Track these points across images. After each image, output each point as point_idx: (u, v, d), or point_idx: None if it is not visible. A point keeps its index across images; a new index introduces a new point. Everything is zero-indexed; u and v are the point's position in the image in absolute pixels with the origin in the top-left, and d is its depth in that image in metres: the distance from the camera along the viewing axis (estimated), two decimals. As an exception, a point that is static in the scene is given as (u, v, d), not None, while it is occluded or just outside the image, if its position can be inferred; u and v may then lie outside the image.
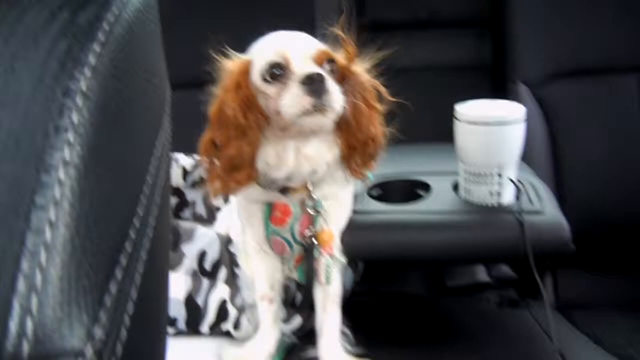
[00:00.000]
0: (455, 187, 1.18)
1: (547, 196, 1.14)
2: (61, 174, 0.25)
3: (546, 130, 1.59)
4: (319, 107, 0.81)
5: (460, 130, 1.09)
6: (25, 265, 0.24)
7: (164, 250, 0.38)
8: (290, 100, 0.81)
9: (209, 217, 1.46)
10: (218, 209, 1.45)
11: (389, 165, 1.28)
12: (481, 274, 1.53)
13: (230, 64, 0.88)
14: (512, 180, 1.10)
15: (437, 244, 1.08)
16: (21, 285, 0.24)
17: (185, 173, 1.44)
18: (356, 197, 1.12)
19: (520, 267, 1.44)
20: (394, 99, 0.94)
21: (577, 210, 1.19)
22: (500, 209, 1.10)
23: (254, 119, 0.85)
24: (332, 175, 0.94)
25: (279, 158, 0.88)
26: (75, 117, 0.26)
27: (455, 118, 1.10)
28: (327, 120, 0.84)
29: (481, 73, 1.76)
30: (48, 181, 0.25)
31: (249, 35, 0.91)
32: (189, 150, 1.41)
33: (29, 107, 0.26)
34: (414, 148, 1.45)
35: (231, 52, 0.89)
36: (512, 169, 1.10)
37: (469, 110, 1.08)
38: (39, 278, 0.24)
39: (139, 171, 0.31)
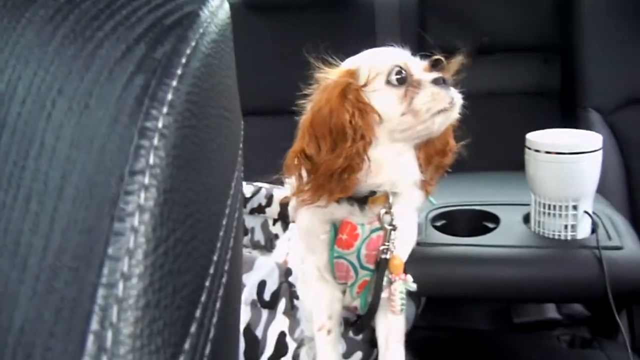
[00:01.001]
0: (526, 220, 1.12)
1: (627, 230, 1.06)
2: (136, 221, 0.23)
3: (619, 159, 1.51)
4: (452, 104, 0.84)
5: (533, 160, 1.04)
6: (95, 322, 0.22)
7: (237, 296, 0.35)
8: (429, 97, 0.83)
9: (267, 245, 1.45)
10: (276, 236, 1.43)
11: (454, 194, 1.23)
12: (551, 310, 1.44)
13: (331, 73, 0.87)
14: (588, 213, 1.03)
15: (506, 281, 1.03)
16: (90, 345, 0.22)
17: (245, 200, 1.43)
18: (419, 227, 1.08)
19: (593, 304, 1.35)
20: (459, 124, 0.92)
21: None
22: (575, 244, 1.03)
23: (370, 121, 0.85)
24: (408, 192, 0.91)
25: (380, 164, 0.87)
26: (151, 159, 0.24)
27: (527, 147, 1.04)
28: (455, 115, 0.86)
29: (548, 99, 1.69)
30: (122, 229, 0.23)
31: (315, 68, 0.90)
32: (247, 177, 1.41)
33: (104, 148, 0.24)
34: (480, 176, 1.40)
35: (333, 60, 0.88)
36: (588, 201, 1.04)
37: (541, 138, 1.03)
38: (109, 337, 0.22)
39: (215, 214, 0.29)
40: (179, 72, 0.26)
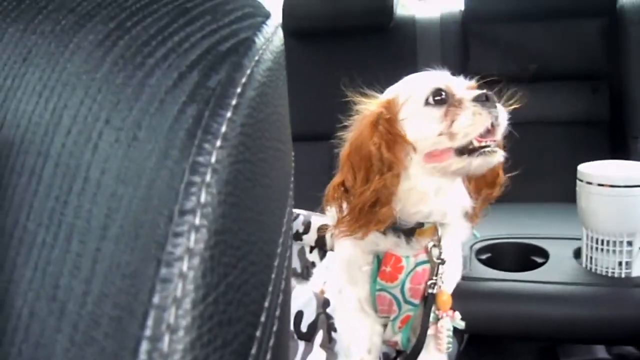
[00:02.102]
0: (577, 255, 1.06)
1: (685, 269, 1.00)
2: (184, 266, 0.21)
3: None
4: (495, 127, 0.79)
5: (585, 193, 0.99)
6: (137, 381, 0.20)
7: (287, 343, 0.33)
8: (469, 119, 0.79)
9: (304, 273, 1.42)
10: (313, 264, 1.40)
11: (499, 226, 1.19)
12: (600, 350, 1.37)
13: (368, 104, 0.87)
14: (644, 250, 0.98)
15: (555, 320, 0.98)
16: (131, 406, 0.19)
17: (281, 227, 1.42)
18: (463, 260, 1.04)
19: (647, 345, 1.27)
20: (507, 155, 0.88)
21: None
22: (630, 282, 0.98)
23: (399, 153, 0.82)
24: (456, 223, 0.88)
25: (420, 195, 0.84)
26: (203, 197, 0.22)
27: (579, 179, 1.00)
28: (499, 159, 0.81)
29: (597, 128, 1.63)
30: (169, 275, 0.21)
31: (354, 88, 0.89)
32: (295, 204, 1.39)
33: (152, 184, 0.22)
34: (527, 208, 1.35)
35: (369, 92, 0.88)
36: (644, 237, 0.98)
37: (594, 170, 0.98)
38: (151, 398, 0.19)
39: (267, 255, 0.27)
40: (233, 102, 0.24)
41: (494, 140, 0.79)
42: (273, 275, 0.27)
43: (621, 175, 0.96)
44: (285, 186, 0.31)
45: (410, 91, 0.85)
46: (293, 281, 1.42)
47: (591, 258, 1.01)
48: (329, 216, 0.89)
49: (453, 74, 0.91)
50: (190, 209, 0.22)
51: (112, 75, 0.25)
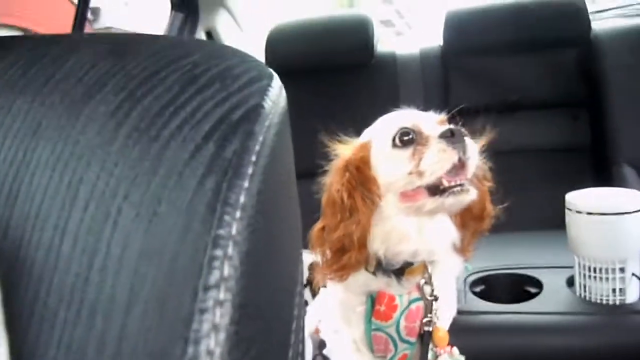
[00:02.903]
0: (570, 283, 1.07)
1: (678, 293, 1.01)
2: (212, 343, 0.21)
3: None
4: (460, 163, 0.79)
5: (575, 222, 1.00)
6: None
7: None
8: (435, 156, 0.79)
9: (298, 312, 1.41)
10: (306, 302, 1.39)
11: (491, 257, 1.19)
12: (598, 377, 1.36)
13: (344, 148, 0.88)
14: (636, 276, 0.99)
15: (553, 350, 0.98)
16: None
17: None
18: (458, 294, 1.04)
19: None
20: (492, 184, 0.89)
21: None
22: (625, 309, 0.98)
23: (362, 198, 0.83)
24: (446, 259, 0.88)
25: (401, 234, 0.84)
26: (226, 270, 0.22)
27: (568, 208, 1.01)
28: (471, 198, 0.81)
29: (580, 155, 1.66)
30: (196, 354, 0.21)
31: (340, 131, 0.90)
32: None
33: (176, 260, 0.22)
34: (517, 237, 1.35)
35: (345, 137, 0.90)
36: (635, 263, 0.99)
37: (583, 199, 1.00)
38: None
39: (285, 320, 0.27)
40: (249, 171, 0.25)
41: (466, 178, 0.80)
42: (292, 339, 0.27)
43: (610, 203, 0.97)
44: (297, 241, 0.31)
45: (379, 133, 0.86)
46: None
47: (585, 286, 1.02)
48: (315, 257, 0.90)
49: (435, 107, 0.92)
50: (215, 284, 0.22)
51: (128, 148, 0.25)
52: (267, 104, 0.29)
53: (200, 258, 0.22)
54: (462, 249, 0.90)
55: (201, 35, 1.80)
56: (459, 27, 1.72)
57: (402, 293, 0.89)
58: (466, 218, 0.88)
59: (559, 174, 1.60)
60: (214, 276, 0.22)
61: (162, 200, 0.23)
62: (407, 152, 0.82)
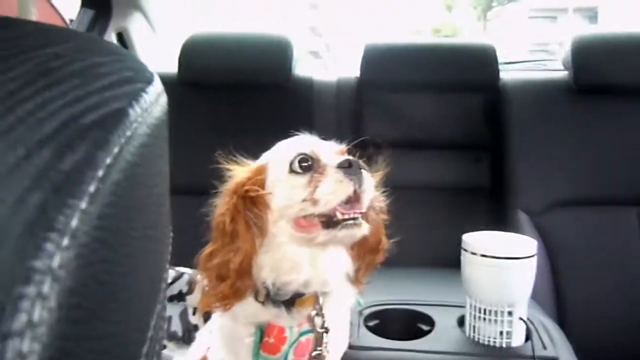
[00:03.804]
0: (461, 323, 1.08)
1: (560, 339, 1.05)
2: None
3: (547, 261, 1.52)
4: (354, 196, 0.77)
5: (469, 263, 1.01)
6: None
7: None
8: (330, 186, 0.78)
9: (185, 337, 1.33)
10: (196, 327, 1.32)
11: (387, 291, 1.19)
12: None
13: (239, 170, 0.85)
14: (523, 320, 1.01)
15: (442, 389, 0.97)
16: None
17: (164, 286, 1.33)
18: (351, 327, 1.02)
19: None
20: (390, 218, 0.89)
21: (581, 351, 1.08)
22: (511, 352, 1.00)
23: (246, 224, 0.81)
24: (339, 291, 0.86)
25: (292, 263, 0.81)
26: (36, 314, 0.17)
27: (464, 249, 1.02)
28: (363, 232, 0.79)
29: (480, 196, 1.72)
30: None
31: (249, 149, 0.88)
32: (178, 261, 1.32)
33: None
34: (414, 272, 1.36)
35: (241, 159, 0.87)
36: (523, 307, 1.02)
37: (478, 241, 1.01)
38: None
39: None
40: (91, 189, 0.20)
41: (360, 211, 0.78)
42: None
43: (502, 248, 0.99)
44: (156, 279, 0.27)
45: (278, 157, 0.84)
46: (172, 346, 1.33)
47: (474, 327, 1.03)
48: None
49: (347, 136, 0.91)
50: (17, 331, 0.17)
51: None
52: (134, 110, 0.25)
53: (3, 296, 0.17)
54: (356, 281, 0.88)
55: (111, 36, 1.71)
56: (376, 61, 1.74)
57: (292, 325, 0.85)
58: (362, 250, 0.87)
59: (460, 214, 1.64)
60: (19, 321, 0.17)
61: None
62: (304, 178, 0.80)
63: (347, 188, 0.77)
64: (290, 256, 0.82)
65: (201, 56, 1.71)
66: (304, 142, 0.85)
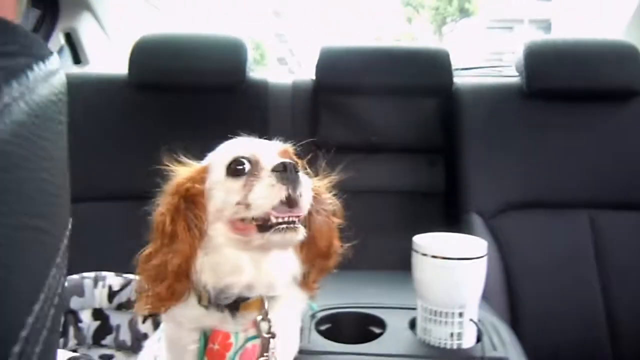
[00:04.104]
0: (412, 325, 1.07)
1: (510, 340, 1.05)
2: None
3: (500, 263, 1.53)
4: (290, 199, 0.75)
5: (419, 264, 1.01)
6: None
7: None
8: (263, 190, 0.76)
9: (134, 346, 1.29)
10: (145, 336, 1.28)
11: (339, 295, 1.17)
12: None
13: (181, 171, 0.84)
14: (473, 321, 1.01)
15: (392, 392, 0.96)
16: None
17: (112, 294, 1.28)
18: (302, 331, 1.00)
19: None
20: (345, 221, 0.88)
21: (532, 350, 1.09)
22: (461, 354, 1.00)
23: (186, 225, 0.79)
24: (287, 294, 0.84)
25: (233, 266, 0.79)
26: None
27: (414, 250, 1.02)
28: (298, 237, 0.77)
29: (434, 199, 1.73)
30: None
31: (203, 152, 0.87)
32: (114, 267, 1.28)
33: None
34: (366, 275, 1.35)
35: (184, 160, 0.85)
36: (473, 308, 1.02)
37: (428, 243, 1.01)
38: None
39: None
40: None
41: (296, 216, 0.77)
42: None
43: (452, 248, 0.99)
44: (40, 272, 0.24)
45: (218, 159, 0.83)
46: (121, 356, 1.29)
47: (425, 329, 1.02)
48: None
49: (303, 138, 0.90)
50: None
51: None
52: (10, 86, 0.23)
53: None
54: (306, 285, 0.87)
55: (59, 37, 1.65)
56: (331, 64, 1.73)
57: (237, 330, 0.83)
58: (311, 253, 0.85)
59: (414, 217, 1.65)
60: None
61: None
62: (239, 182, 0.79)
63: (279, 192, 0.75)
64: (231, 258, 0.80)
65: (152, 57, 1.67)
66: (246, 144, 0.83)
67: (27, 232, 0.23)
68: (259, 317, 0.82)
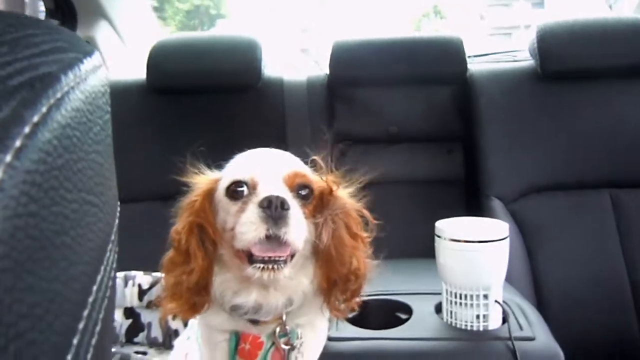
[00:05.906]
0: (438, 309, 1.09)
1: (537, 320, 1.05)
2: None
3: (522, 246, 1.54)
4: (275, 237, 0.71)
5: (443, 249, 1.02)
6: None
7: None
8: (245, 225, 0.73)
9: (166, 342, 1.32)
10: (176, 332, 1.31)
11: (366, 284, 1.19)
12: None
13: (200, 180, 0.83)
14: (499, 302, 1.02)
15: (421, 375, 0.97)
16: None
17: (142, 292, 1.32)
18: (330, 320, 1.02)
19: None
20: (367, 214, 0.87)
21: (559, 333, 1.10)
22: (488, 335, 1.01)
23: (200, 242, 0.78)
24: (310, 303, 0.84)
25: (240, 288, 0.80)
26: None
27: (437, 235, 1.03)
28: (278, 277, 0.74)
29: (453, 186, 1.74)
30: None
31: (223, 153, 0.86)
32: (144, 266, 1.31)
33: None
34: (391, 264, 1.37)
35: (202, 168, 0.84)
36: (498, 290, 1.03)
37: (450, 227, 1.02)
38: None
39: (60, 333, 0.22)
40: (17, 144, 0.20)
41: (279, 256, 0.72)
42: (69, 357, 0.22)
43: (474, 232, 1.00)
44: (100, 247, 0.27)
45: (225, 176, 0.81)
46: (153, 352, 1.32)
47: (451, 312, 1.03)
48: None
49: (320, 134, 0.90)
50: None
51: None
52: (67, 76, 0.25)
53: None
54: (332, 307, 0.83)
55: (78, 44, 1.69)
56: (344, 58, 1.75)
57: (264, 333, 0.85)
58: (331, 274, 0.80)
59: (435, 205, 1.65)
60: None
61: None
62: (235, 206, 0.76)
63: (258, 231, 0.71)
64: (236, 279, 0.79)
65: (169, 61, 1.71)
66: (249, 164, 0.81)
67: (87, 207, 0.25)
68: (277, 330, 0.82)
